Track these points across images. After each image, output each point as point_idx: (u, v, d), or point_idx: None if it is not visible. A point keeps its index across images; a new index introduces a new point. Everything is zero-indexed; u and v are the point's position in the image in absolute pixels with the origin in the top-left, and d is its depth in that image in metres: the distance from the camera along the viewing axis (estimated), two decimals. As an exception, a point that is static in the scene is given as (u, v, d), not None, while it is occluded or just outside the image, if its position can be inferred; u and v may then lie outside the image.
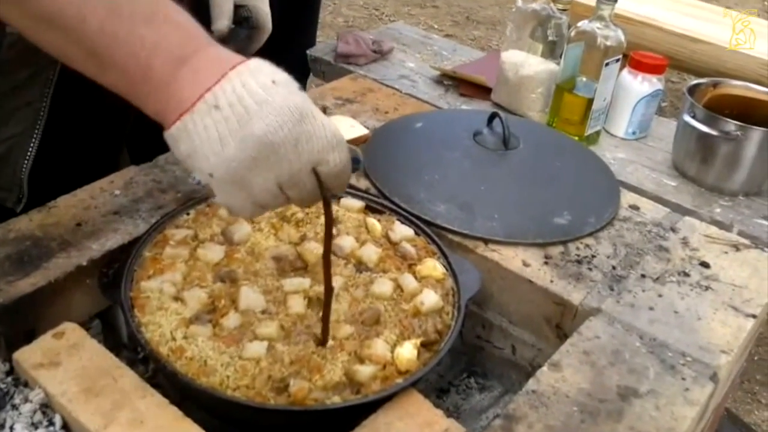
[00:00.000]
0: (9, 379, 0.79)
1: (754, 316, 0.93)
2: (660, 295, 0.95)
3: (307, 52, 1.88)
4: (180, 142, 0.69)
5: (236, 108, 0.66)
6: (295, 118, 0.67)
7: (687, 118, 1.52)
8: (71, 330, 0.83)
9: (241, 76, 0.67)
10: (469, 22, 4.33)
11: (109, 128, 1.27)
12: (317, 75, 1.89)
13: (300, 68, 1.57)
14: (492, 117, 1.13)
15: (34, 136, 0.98)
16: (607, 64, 1.51)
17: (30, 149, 0.98)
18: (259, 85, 0.67)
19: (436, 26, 3.83)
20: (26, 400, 0.76)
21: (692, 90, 1.58)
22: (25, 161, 0.98)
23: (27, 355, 0.79)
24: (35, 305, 0.85)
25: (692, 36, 2.71)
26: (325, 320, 0.83)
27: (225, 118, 0.66)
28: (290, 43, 1.04)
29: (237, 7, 0.99)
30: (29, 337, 0.83)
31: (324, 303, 0.82)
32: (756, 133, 1.44)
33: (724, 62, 2.64)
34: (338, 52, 1.82)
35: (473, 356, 1.03)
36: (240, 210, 0.73)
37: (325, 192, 0.73)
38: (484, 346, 1.03)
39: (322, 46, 1.91)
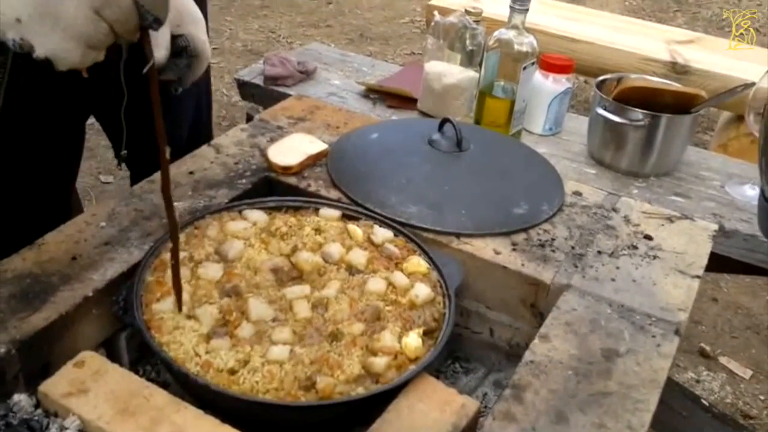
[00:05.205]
0: (39, 411, 0.80)
1: (698, 277, 1.06)
2: (617, 267, 1.06)
3: (235, 77, 1.93)
4: None
5: None
6: None
7: (599, 110, 1.67)
8: (90, 358, 0.85)
9: None
10: (363, 39, 4.45)
11: (57, 167, 1.27)
12: (246, 98, 1.94)
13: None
14: (443, 123, 1.22)
15: None
16: (525, 68, 1.64)
17: None
18: None
19: (332, 45, 3.91)
20: (62, 428, 0.78)
21: (600, 85, 1.74)
22: None
23: (53, 387, 0.81)
24: (50, 338, 0.86)
25: (573, 37, 2.92)
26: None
27: None
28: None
29: (174, 37, 0.98)
30: (44, 370, 0.85)
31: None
32: (661, 120, 1.61)
33: (604, 60, 2.86)
34: (266, 75, 1.87)
35: (454, 343, 1.12)
36: (68, 54, 0.69)
37: (140, 8, 0.71)
38: (462, 333, 1.11)
39: (249, 70, 1.96)
